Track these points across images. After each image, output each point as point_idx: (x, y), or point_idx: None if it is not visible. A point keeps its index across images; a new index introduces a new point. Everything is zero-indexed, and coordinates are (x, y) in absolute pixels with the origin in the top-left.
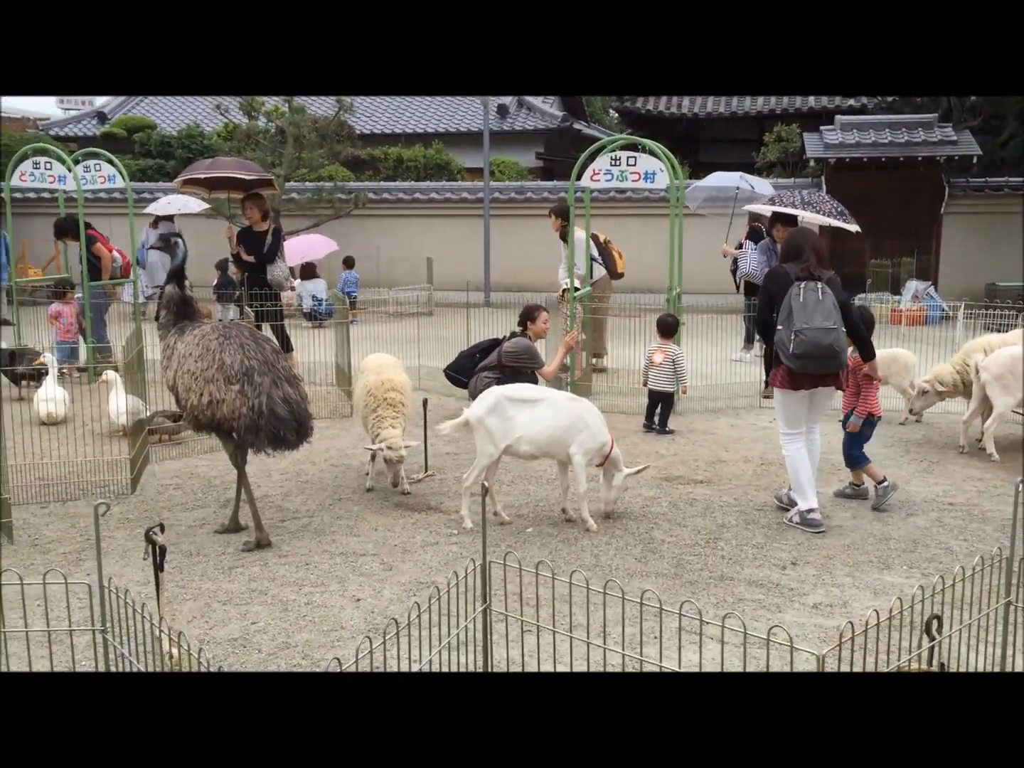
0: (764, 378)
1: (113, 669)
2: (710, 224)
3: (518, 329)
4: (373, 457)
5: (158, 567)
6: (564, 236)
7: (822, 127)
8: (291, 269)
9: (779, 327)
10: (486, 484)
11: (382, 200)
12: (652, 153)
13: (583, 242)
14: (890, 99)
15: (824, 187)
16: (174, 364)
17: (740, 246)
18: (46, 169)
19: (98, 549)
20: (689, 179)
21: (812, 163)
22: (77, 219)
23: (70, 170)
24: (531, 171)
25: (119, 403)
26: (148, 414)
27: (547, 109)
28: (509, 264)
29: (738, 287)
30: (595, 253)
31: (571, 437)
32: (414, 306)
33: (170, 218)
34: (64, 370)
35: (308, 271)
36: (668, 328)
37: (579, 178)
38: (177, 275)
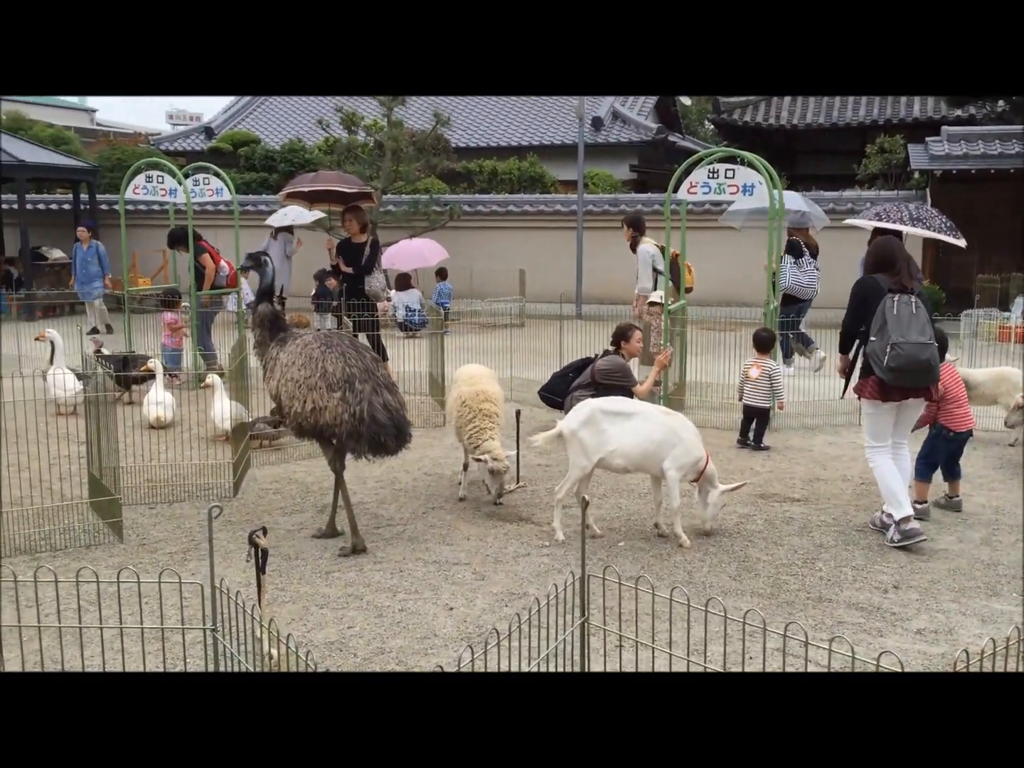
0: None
1: (221, 667)
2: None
3: (611, 348)
4: (466, 467)
5: (260, 569)
6: (635, 247)
7: (928, 138)
8: (386, 279)
9: (872, 338)
10: (586, 497)
11: (476, 212)
12: (751, 165)
13: (649, 255)
14: (999, 109)
15: (929, 200)
16: (277, 373)
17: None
18: (158, 182)
19: (211, 550)
20: (787, 191)
21: (917, 175)
22: (178, 230)
23: (180, 183)
24: (625, 183)
25: (223, 408)
26: (250, 420)
27: (642, 121)
28: (601, 277)
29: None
30: (661, 266)
31: (665, 452)
32: (506, 318)
33: (289, 229)
34: (173, 375)
35: (403, 282)
36: (764, 343)
37: (675, 190)
38: (267, 293)
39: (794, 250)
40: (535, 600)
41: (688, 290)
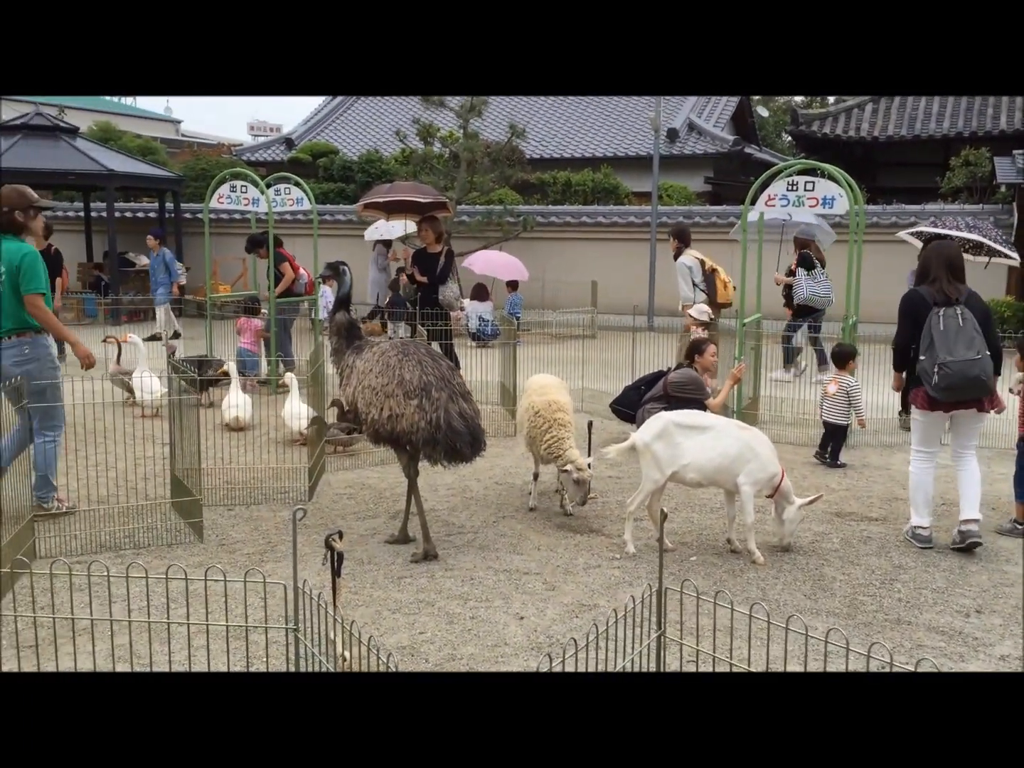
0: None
1: (302, 667)
2: (884, 251)
3: (684, 361)
4: (536, 477)
5: (336, 572)
6: (677, 258)
7: (1015, 151)
8: (460, 289)
9: (921, 357)
10: (664, 511)
11: (549, 223)
12: (831, 178)
13: (685, 267)
14: None
15: (1016, 214)
16: (353, 381)
17: (791, 273)
18: (242, 192)
19: (294, 552)
20: (867, 204)
21: (1003, 189)
22: (260, 235)
23: (263, 193)
24: (699, 195)
25: (294, 408)
26: (326, 427)
27: (717, 133)
28: (674, 289)
29: (794, 312)
30: (698, 279)
31: (740, 467)
32: (578, 329)
33: (388, 243)
34: (248, 380)
35: (478, 292)
36: (842, 358)
37: (753, 203)
38: (344, 302)
39: (806, 262)
40: (612, 611)
41: (724, 306)
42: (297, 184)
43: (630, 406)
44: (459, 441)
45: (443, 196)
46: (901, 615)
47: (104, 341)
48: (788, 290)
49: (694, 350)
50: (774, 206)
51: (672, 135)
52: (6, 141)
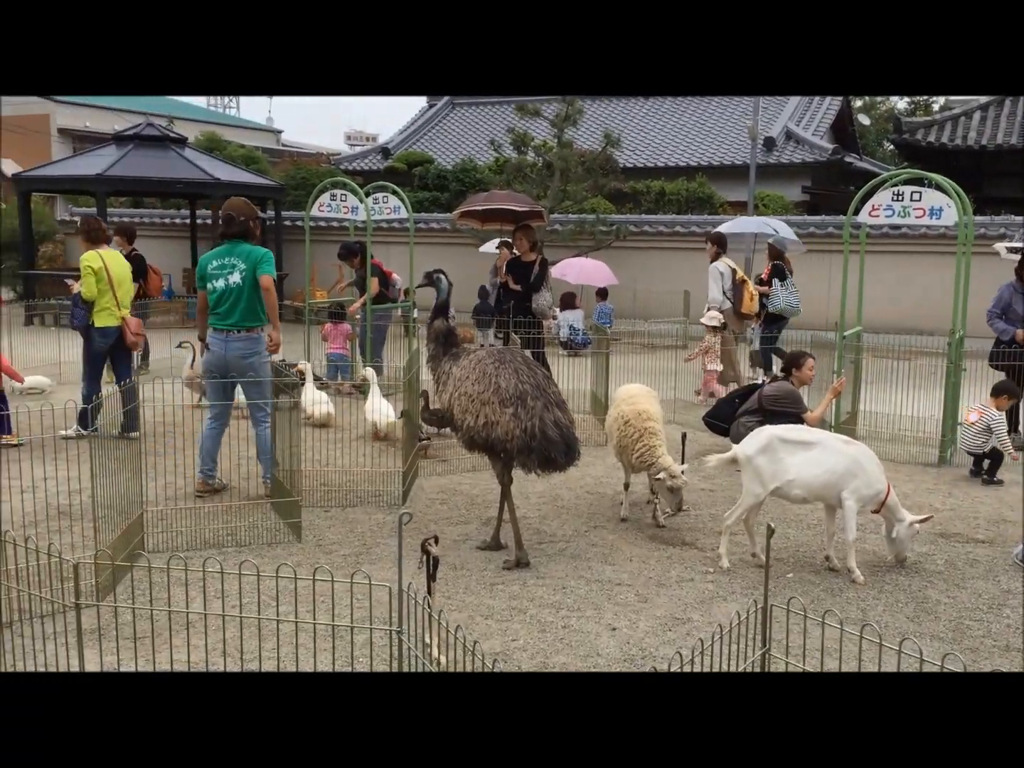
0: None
1: (404, 667)
2: (994, 264)
3: (780, 374)
4: (627, 487)
5: (431, 576)
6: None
7: None
8: (553, 297)
9: None
10: (771, 525)
11: (642, 232)
12: (939, 187)
13: (717, 271)
14: None
15: None
16: (450, 387)
17: (760, 282)
18: (341, 201)
19: (400, 556)
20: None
21: None
22: (362, 245)
23: (362, 201)
24: (796, 205)
25: (376, 404)
26: (423, 434)
27: (816, 141)
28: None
29: (759, 318)
30: (727, 286)
31: (846, 482)
32: (669, 339)
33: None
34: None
35: (568, 301)
36: (1001, 392)
37: (856, 213)
38: (442, 309)
39: (780, 273)
40: (718, 626)
41: (746, 316)
42: (394, 192)
43: (723, 419)
44: (553, 450)
45: (538, 205)
46: (1010, 641)
47: (179, 346)
48: (761, 299)
49: (792, 363)
50: (878, 216)
51: (769, 144)
52: (119, 150)
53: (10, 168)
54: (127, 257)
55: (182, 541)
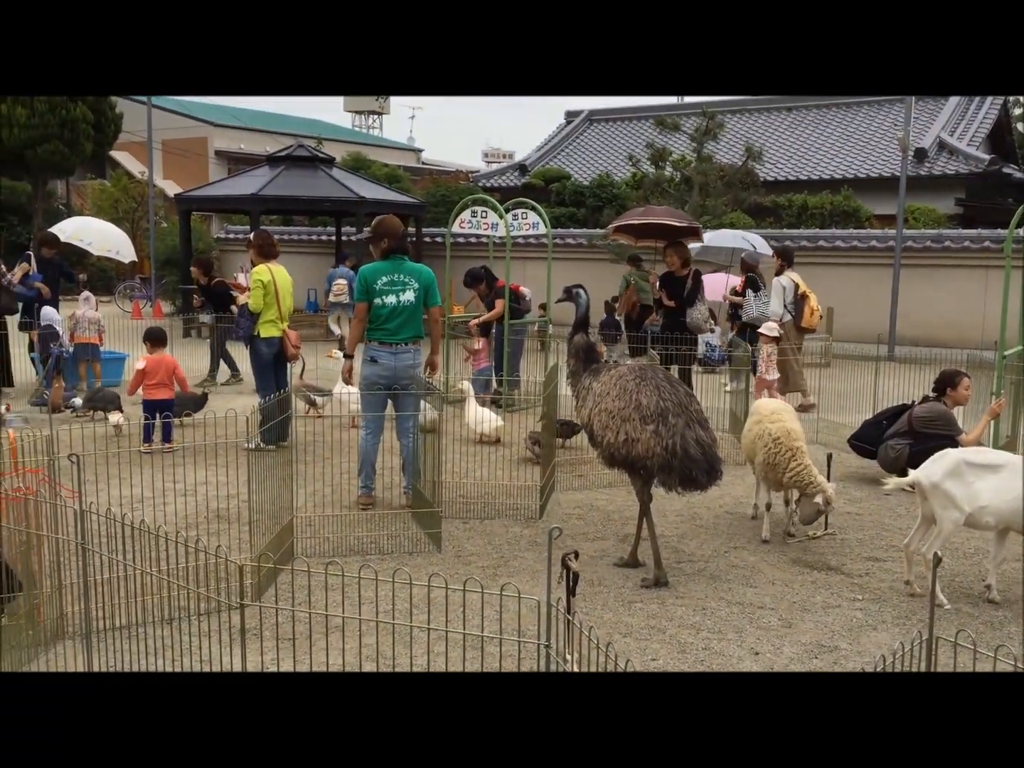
0: None
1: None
2: None
3: (932, 394)
4: (769, 507)
5: (571, 592)
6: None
7: None
8: (710, 311)
9: None
10: (939, 554)
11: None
12: None
13: (780, 285)
14: None
15: None
16: (589, 403)
17: (736, 293)
18: (482, 217)
19: (548, 570)
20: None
21: None
22: (487, 270)
23: (501, 218)
24: (950, 218)
25: (476, 412)
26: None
27: (971, 152)
28: (919, 317)
29: (733, 328)
30: (789, 300)
31: None
32: (811, 357)
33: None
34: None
35: None
36: None
37: (1019, 226)
38: (582, 324)
39: (754, 284)
40: (881, 656)
41: (807, 330)
42: (533, 208)
43: (870, 442)
44: (695, 469)
45: (696, 222)
46: None
47: (328, 356)
48: (735, 309)
49: (946, 383)
50: None
51: (920, 155)
52: (272, 171)
53: (171, 189)
54: (210, 287)
55: (328, 547)
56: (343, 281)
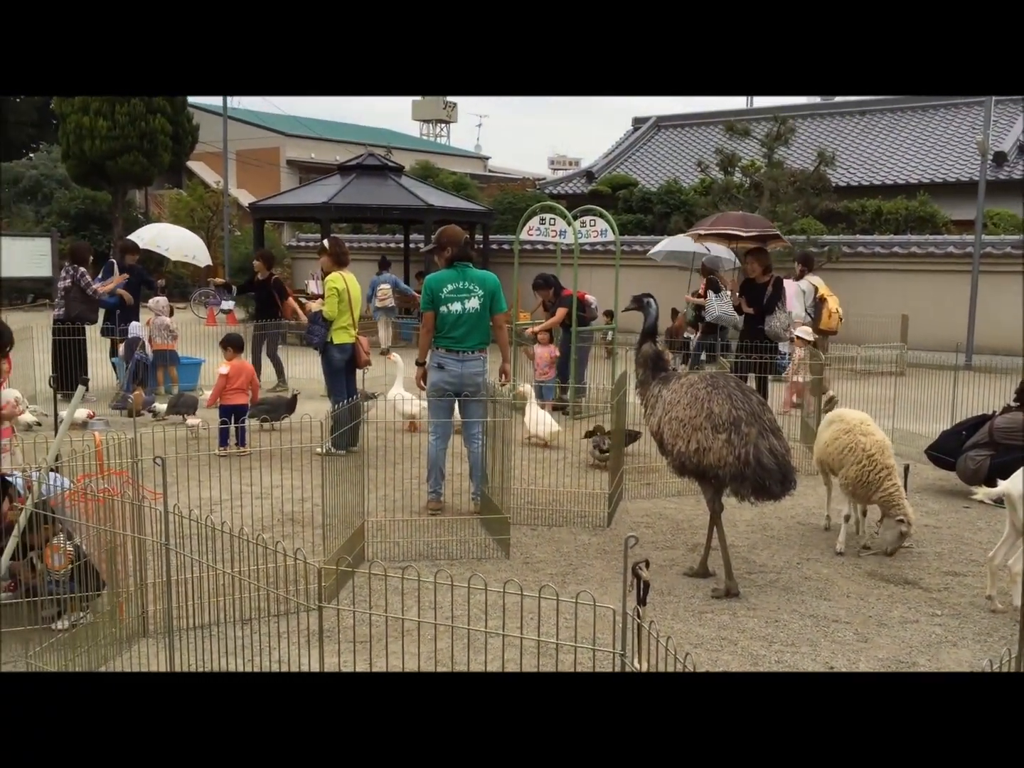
0: None
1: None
2: None
3: (1014, 404)
4: (847, 519)
5: (641, 601)
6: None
7: None
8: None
9: None
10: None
11: (856, 254)
12: None
13: (799, 290)
14: None
15: None
16: (658, 411)
17: (696, 295)
18: (550, 224)
19: (624, 578)
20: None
21: None
22: (555, 277)
23: (570, 225)
24: None
25: (536, 414)
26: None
27: None
28: (999, 325)
29: (697, 329)
30: (809, 302)
31: None
32: (884, 365)
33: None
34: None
35: None
36: None
37: None
38: (650, 333)
39: (714, 286)
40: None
41: (825, 332)
42: (601, 215)
43: (949, 453)
44: (768, 479)
45: (773, 227)
46: None
47: (383, 354)
48: (698, 310)
49: None
50: None
51: (999, 158)
52: (343, 180)
53: (245, 198)
54: (266, 282)
55: (397, 551)
56: (387, 286)
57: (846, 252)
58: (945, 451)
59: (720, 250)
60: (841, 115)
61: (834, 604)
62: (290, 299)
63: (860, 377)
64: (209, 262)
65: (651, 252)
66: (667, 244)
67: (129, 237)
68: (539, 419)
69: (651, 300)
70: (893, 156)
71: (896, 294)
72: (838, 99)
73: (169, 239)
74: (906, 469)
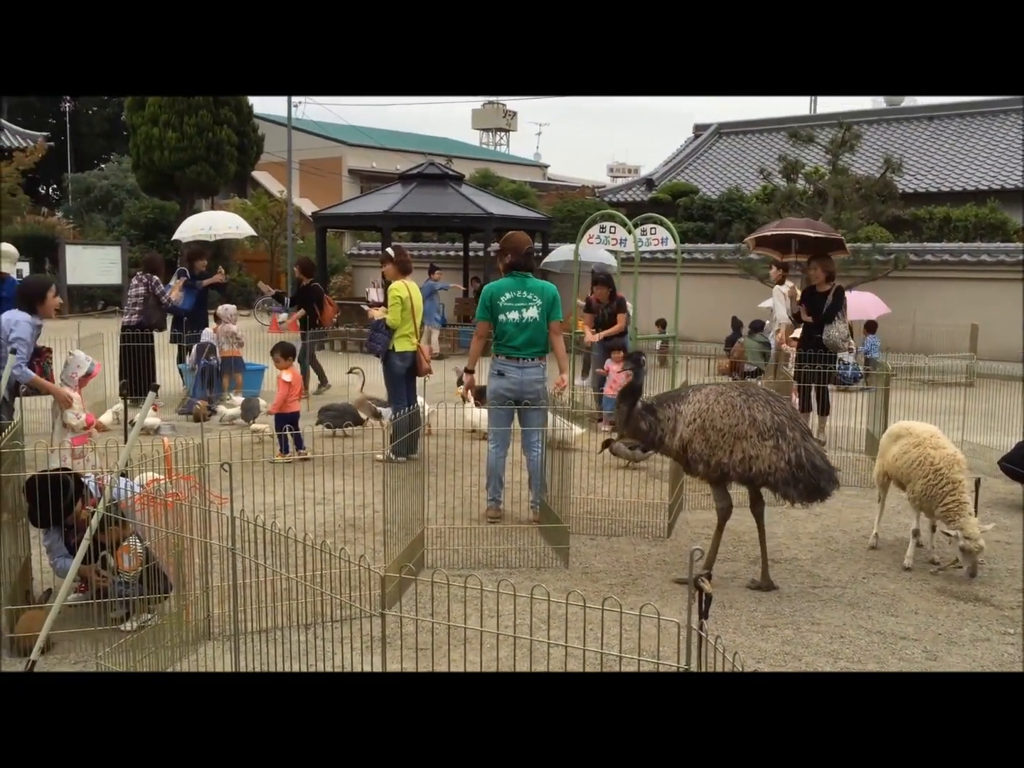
0: None
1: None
2: None
3: None
4: (916, 533)
5: (703, 614)
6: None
7: None
8: (850, 330)
9: None
10: None
11: (923, 262)
12: None
13: (780, 293)
14: None
15: None
16: (680, 427)
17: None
18: (610, 232)
19: (690, 591)
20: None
21: None
22: (609, 277)
23: (630, 233)
24: None
25: (557, 420)
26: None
27: None
28: None
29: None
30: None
31: None
32: (953, 376)
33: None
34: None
35: None
36: None
37: None
38: (636, 391)
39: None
40: None
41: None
42: (662, 223)
43: (1022, 464)
44: (822, 479)
45: (837, 233)
46: None
47: (350, 372)
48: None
49: None
50: None
51: None
52: (404, 188)
53: (307, 207)
54: (305, 288)
55: (457, 559)
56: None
57: (913, 260)
58: (1019, 463)
59: (604, 256)
60: (908, 120)
61: (902, 620)
62: (328, 307)
63: (928, 388)
64: (252, 232)
65: (544, 262)
66: (558, 255)
67: (174, 237)
68: (563, 424)
69: (644, 359)
70: (962, 162)
71: (965, 303)
72: (905, 104)
73: (206, 221)
74: (976, 483)
